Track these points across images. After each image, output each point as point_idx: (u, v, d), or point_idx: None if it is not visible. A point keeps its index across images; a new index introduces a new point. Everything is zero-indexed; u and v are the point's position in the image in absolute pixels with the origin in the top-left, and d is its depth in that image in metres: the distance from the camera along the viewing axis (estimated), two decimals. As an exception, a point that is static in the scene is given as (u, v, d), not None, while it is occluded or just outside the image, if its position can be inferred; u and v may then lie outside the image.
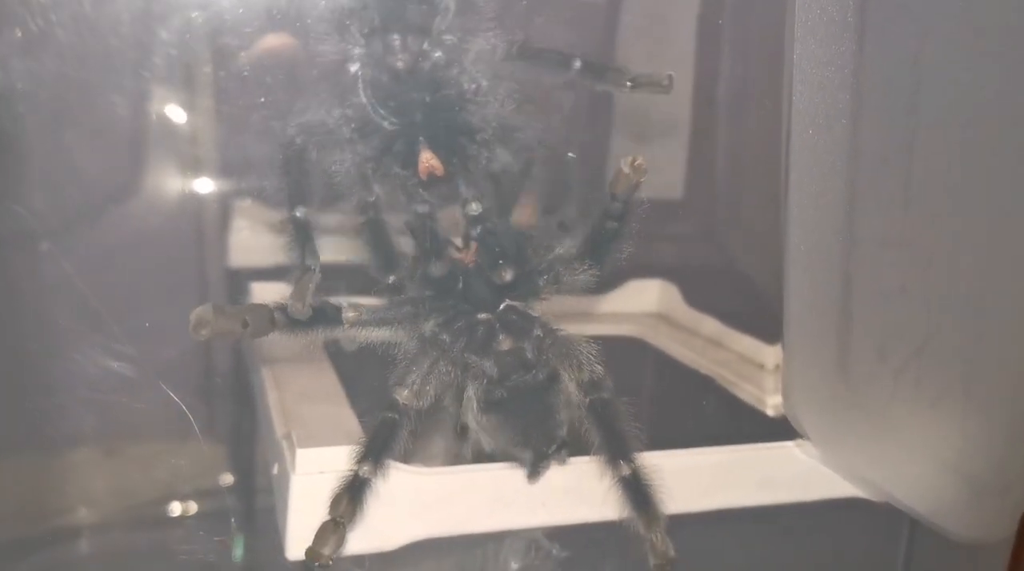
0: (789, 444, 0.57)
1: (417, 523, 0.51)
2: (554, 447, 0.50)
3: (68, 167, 0.56)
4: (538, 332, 0.50)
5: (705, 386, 0.71)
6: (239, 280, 0.70)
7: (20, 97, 0.51)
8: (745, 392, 0.68)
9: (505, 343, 0.50)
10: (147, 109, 0.59)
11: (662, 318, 0.83)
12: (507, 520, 0.51)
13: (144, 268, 0.62)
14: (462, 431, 0.51)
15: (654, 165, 0.48)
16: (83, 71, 0.53)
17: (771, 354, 0.70)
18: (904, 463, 0.55)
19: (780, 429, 0.57)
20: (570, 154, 0.51)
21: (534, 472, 0.51)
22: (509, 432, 0.50)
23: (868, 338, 0.52)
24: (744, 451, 0.56)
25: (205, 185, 0.65)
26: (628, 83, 0.48)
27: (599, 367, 0.49)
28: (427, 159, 0.47)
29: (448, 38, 0.47)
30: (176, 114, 0.59)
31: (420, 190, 0.48)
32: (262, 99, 0.54)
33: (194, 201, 0.65)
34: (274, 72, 0.54)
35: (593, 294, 0.52)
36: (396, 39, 0.46)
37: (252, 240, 0.72)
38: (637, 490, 0.47)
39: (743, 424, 0.64)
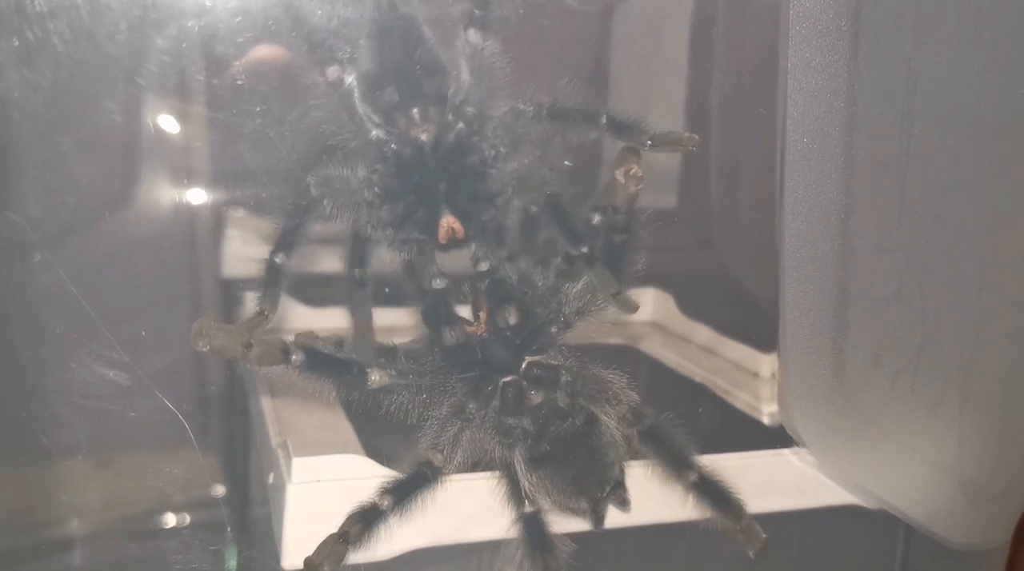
0: (785, 452, 0.57)
1: (412, 532, 0.50)
2: (608, 489, 0.51)
3: (62, 175, 0.56)
4: (566, 378, 0.51)
5: (700, 394, 0.71)
6: (233, 290, 0.70)
7: (15, 104, 0.51)
8: (740, 400, 0.68)
9: (536, 398, 0.50)
10: (141, 118, 0.59)
11: (656, 327, 0.83)
12: (503, 528, 0.51)
13: (138, 278, 0.62)
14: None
15: (648, 175, 0.48)
16: (79, 79, 0.52)
17: (766, 362, 0.70)
18: (901, 470, 0.55)
19: (775, 437, 0.57)
20: (566, 162, 0.52)
21: (596, 519, 0.51)
22: (562, 484, 0.50)
23: (864, 345, 0.52)
24: (740, 459, 0.56)
25: (199, 195, 0.65)
26: (648, 142, 0.48)
27: (633, 394, 0.51)
28: (449, 222, 0.48)
29: (469, 109, 0.48)
30: (170, 123, 0.59)
31: (437, 253, 0.50)
32: (257, 108, 0.54)
33: (188, 211, 0.65)
34: (269, 82, 0.54)
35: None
36: (417, 113, 0.47)
37: (246, 250, 0.72)
38: (711, 491, 0.50)
39: (738, 432, 0.64)
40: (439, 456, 0.49)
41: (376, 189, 0.48)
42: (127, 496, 0.61)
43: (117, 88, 0.55)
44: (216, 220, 0.67)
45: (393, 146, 0.48)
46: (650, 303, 0.84)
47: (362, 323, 0.56)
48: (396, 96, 0.47)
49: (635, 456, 0.52)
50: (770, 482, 0.57)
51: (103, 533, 0.61)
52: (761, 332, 0.68)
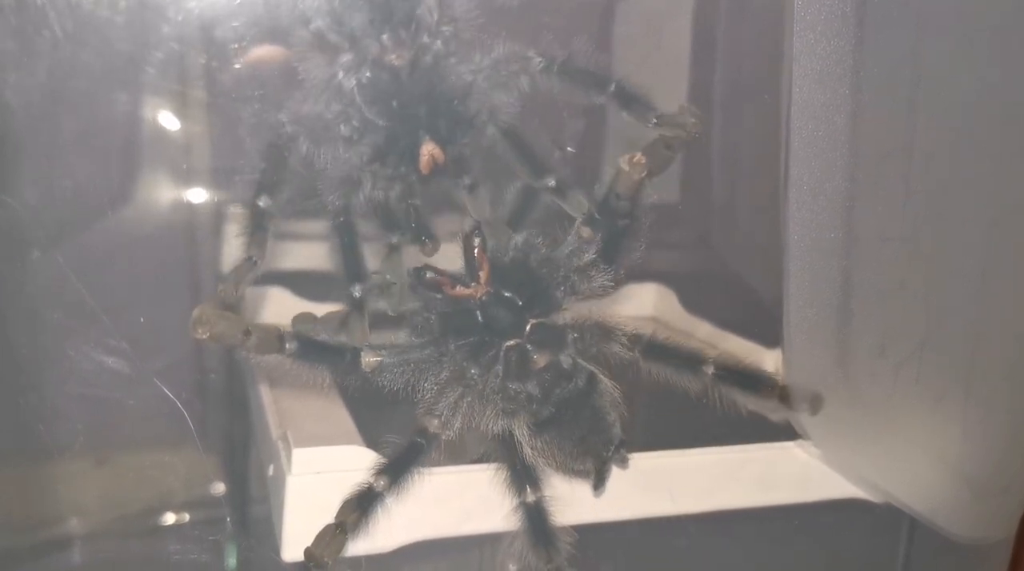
0: (789, 444, 0.57)
1: (413, 524, 0.50)
2: (612, 448, 0.50)
3: (60, 163, 0.55)
4: (573, 335, 0.50)
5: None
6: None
7: (12, 90, 0.51)
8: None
9: (541, 361, 0.50)
10: (140, 106, 0.58)
11: (658, 323, 0.83)
12: (504, 521, 0.51)
13: (137, 274, 0.62)
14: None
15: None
16: (76, 64, 0.52)
17: (769, 358, 0.69)
18: (905, 462, 0.55)
19: (779, 431, 0.57)
20: (568, 148, 0.51)
21: (600, 480, 0.51)
22: (567, 446, 0.50)
23: (868, 335, 0.51)
24: (744, 451, 0.56)
25: (198, 191, 0.65)
26: (653, 120, 0.48)
27: (625, 328, 0.51)
28: (430, 150, 0.47)
29: (445, 28, 0.47)
30: (169, 112, 0.59)
31: (419, 186, 0.48)
32: (256, 103, 0.54)
33: (186, 207, 0.65)
34: (267, 77, 0.53)
35: (608, 295, 0.52)
36: (388, 36, 0.46)
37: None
38: (735, 375, 0.50)
39: (742, 426, 0.64)
40: (435, 422, 0.48)
41: (354, 122, 0.47)
42: (126, 493, 0.61)
43: (116, 84, 0.55)
44: (216, 217, 0.67)
45: (368, 74, 0.47)
46: (652, 299, 0.83)
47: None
48: (365, 22, 0.46)
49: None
50: (774, 475, 0.56)
51: (102, 531, 0.60)
52: (764, 328, 0.68)
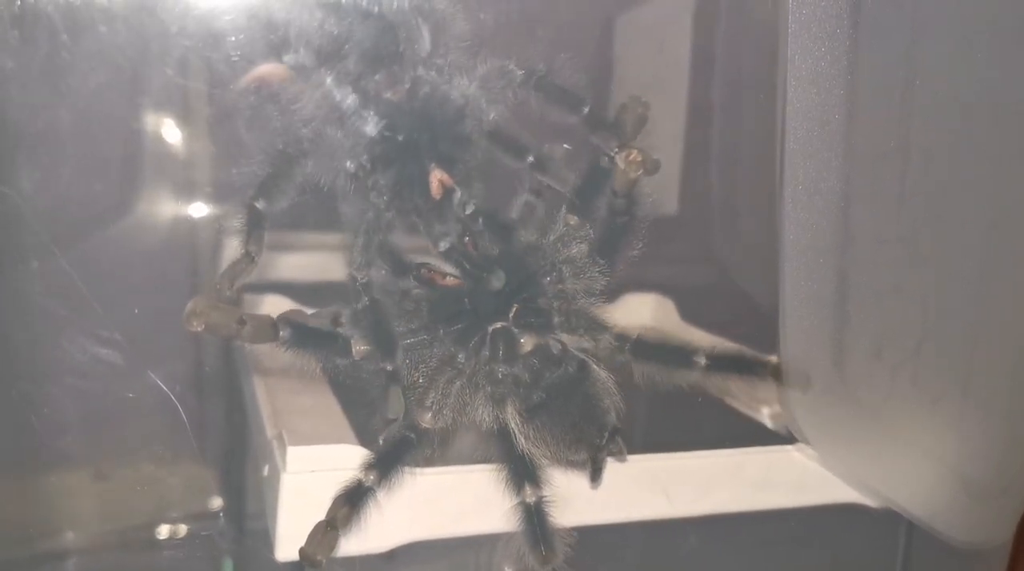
0: (788, 448, 0.57)
1: (408, 525, 0.50)
2: (606, 435, 0.50)
3: (56, 152, 0.55)
4: (559, 319, 0.51)
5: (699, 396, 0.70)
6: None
7: (10, 77, 0.51)
8: (740, 403, 0.68)
9: (528, 344, 0.50)
10: (144, 127, 0.59)
11: (656, 332, 0.83)
12: (500, 521, 0.51)
13: (136, 284, 0.62)
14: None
15: (650, 181, 0.48)
16: (73, 54, 0.52)
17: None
18: (902, 466, 0.54)
19: (777, 438, 0.57)
20: (565, 145, 0.51)
21: (595, 470, 0.51)
22: (559, 433, 0.49)
23: (864, 336, 0.51)
24: (742, 454, 0.56)
25: (199, 203, 0.65)
26: (615, 150, 0.48)
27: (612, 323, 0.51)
28: (438, 177, 0.48)
29: (439, 60, 0.48)
30: (172, 133, 0.59)
31: (434, 212, 0.49)
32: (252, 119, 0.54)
33: (187, 219, 0.65)
34: (267, 96, 0.54)
35: (604, 302, 0.52)
36: (382, 75, 0.47)
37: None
38: (727, 361, 0.50)
39: (740, 431, 0.64)
40: (427, 416, 0.48)
41: (363, 159, 0.48)
42: (124, 508, 0.61)
43: (118, 96, 0.55)
44: (215, 227, 0.67)
45: (372, 113, 0.47)
46: (651, 308, 0.83)
47: None
48: (357, 65, 0.47)
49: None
50: (771, 478, 0.56)
51: (98, 545, 0.60)
52: (762, 336, 0.68)
